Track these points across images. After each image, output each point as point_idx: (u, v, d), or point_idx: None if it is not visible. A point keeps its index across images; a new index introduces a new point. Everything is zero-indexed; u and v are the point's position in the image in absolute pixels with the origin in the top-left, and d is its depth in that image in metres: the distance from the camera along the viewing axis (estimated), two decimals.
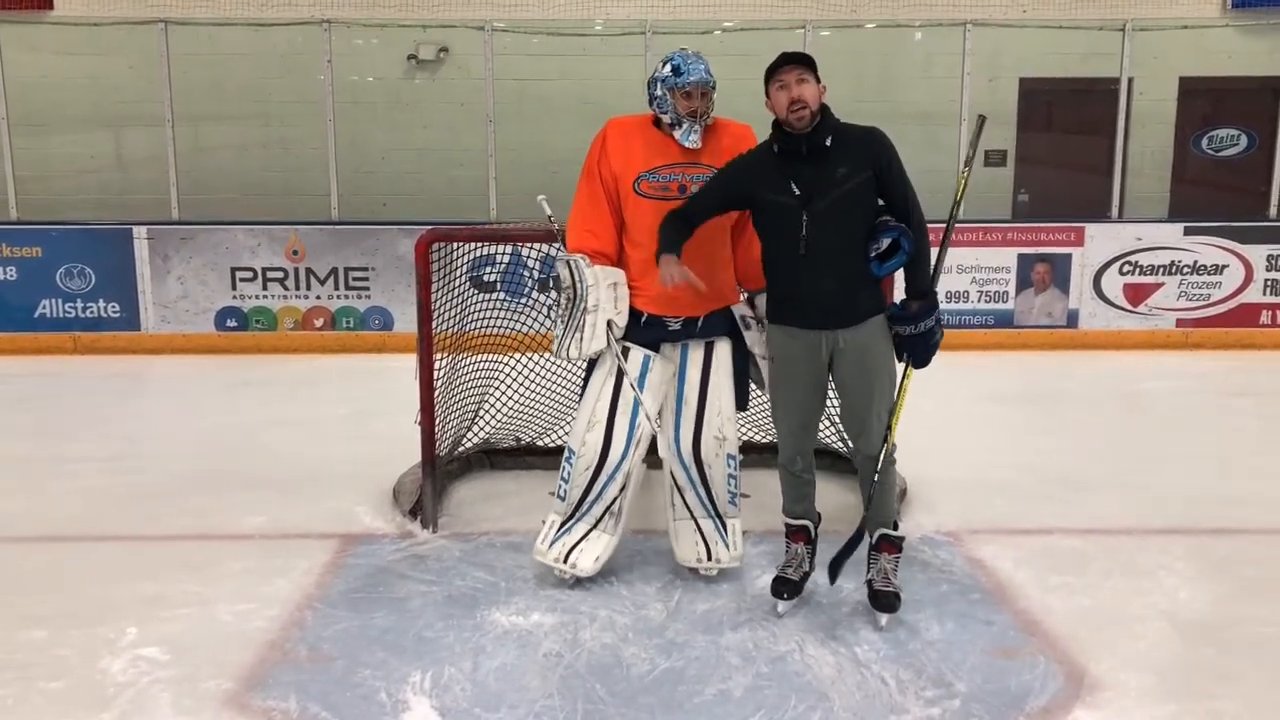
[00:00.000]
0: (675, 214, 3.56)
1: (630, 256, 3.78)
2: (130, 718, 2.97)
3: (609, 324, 3.71)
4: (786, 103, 3.33)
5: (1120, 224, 8.12)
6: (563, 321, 3.74)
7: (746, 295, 3.91)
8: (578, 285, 3.68)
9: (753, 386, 4.04)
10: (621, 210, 3.75)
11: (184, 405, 6.56)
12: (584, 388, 3.95)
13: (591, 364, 3.89)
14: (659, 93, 3.67)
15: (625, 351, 3.77)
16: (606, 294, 3.70)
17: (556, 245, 3.92)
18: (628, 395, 3.75)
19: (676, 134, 3.68)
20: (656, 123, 3.75)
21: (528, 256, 5.03)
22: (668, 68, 3.67)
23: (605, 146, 3.75)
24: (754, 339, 3.86)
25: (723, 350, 3.86)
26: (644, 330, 3.78)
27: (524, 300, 4.93)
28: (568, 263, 3.71)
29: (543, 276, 4.81)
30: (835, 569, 3.60)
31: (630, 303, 3.76)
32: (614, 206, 3.76)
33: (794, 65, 3.33)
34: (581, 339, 3.70)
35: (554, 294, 3.86)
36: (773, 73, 3.37)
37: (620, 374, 3.76)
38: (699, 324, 3.80)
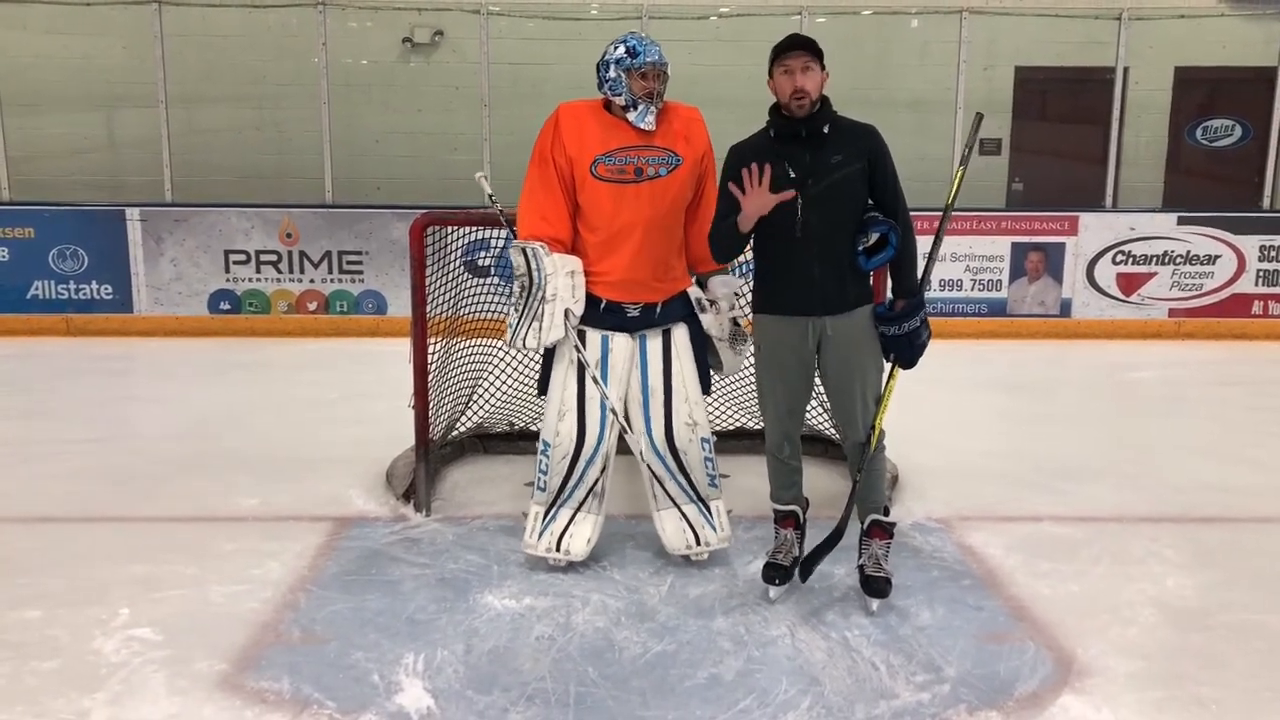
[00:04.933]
0: (717, 226, 3.55)
1: (587, 241, 3.71)
2: (123, 698, 2.97)
3: (566, 313, 3.65)
4: (790, 89, 3.34)
5: (1114, 213, 8.13)
6: (518, 310, 3.67)
7: (696, 279, 3.90)
8: (535, 274, 3.61)
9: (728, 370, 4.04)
10: (577, 195, 3.67)
11: (177, 387, 6.55)
12: (541, 375, 3.91)
13: (548, 352, 3.83)
14: (612, 75, 3.61)
15: (582, 337, 3.72)
16: (564, 282, 3.63)
17: (503, 230, 3.87)
18: None
19: (631, 116, 3.62)
20: (607, 106, 3.71)
21: (508, 242, 5.01)
22: (621, 49, 3.61)
23: (558, 131, 3.66)
24: (709, 322, 3.86)
25: (680, 336, 3.83)
26: (603, 317, 3.73)
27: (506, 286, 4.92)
28: (524, 250, 3.63)
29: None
30: (809, 568, 3.62)
31: (588, 289, 3.69)
32: (568, 192, 3.67)
33: (801, 52, 3.34)
34: (540, 329, 3.63)
35: (510, 281, 3.76)
36: (779, 55, 3.37)
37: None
38: (658, 310, 3.77)
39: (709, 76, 8.21)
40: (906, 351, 3.47)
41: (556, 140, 3.66)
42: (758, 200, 3.29)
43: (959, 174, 3.55)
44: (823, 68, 3.38)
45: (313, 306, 7.92)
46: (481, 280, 4.90)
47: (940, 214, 3.56)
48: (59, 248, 7.75)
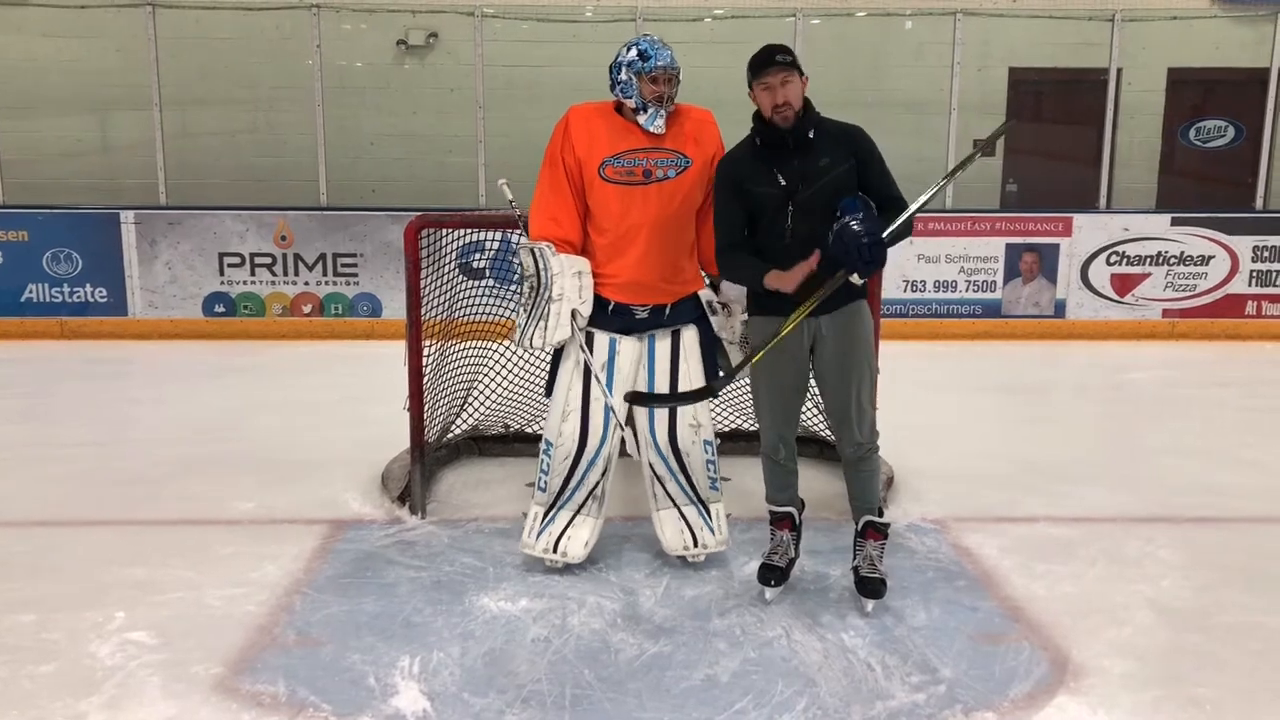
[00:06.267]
0: (726, 249, 3.49)
1: (596, 244, 3.74)
2: (119, 701, 2.97)
3: (573, 313, 3.67)
4: (771, 105, 3.34)
5: (1108, 214, 8.15)
6: (525, 310, 3.70)
7: (709, 280, 3.91)
8: (542, 274, 3.64)
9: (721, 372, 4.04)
10: (586, 197, 3.71)
11: (172, 391, 6.54)
12: (549, 376, 3.93)
13: (556, 353, 3.85)
14: (623, 77, 3.63)
15: (590, 339, 3.74)
16: (571, 283, 3.65)
17: (519, 232, 3.89)
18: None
19: (641, 119, 3.64)
20: (618, 109, 3.72)
21: (517, 244, 5.02)
22: (633, 52, 3.63)
23: (568, 133, 3.70)
24: (720, 324, 3.86)
25: (689, 337, 3.84)
26: (612, 318, 3.75)
27: (513, 287, 4.92)
28: (531, 250, 3.66)
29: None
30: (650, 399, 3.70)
31: (597, 291, 3.72)
32: (578, 194, 3.70)
33: (778, 68, 3.33)
34: (545, 328, 3.65)
35: (516, 282, 3.80)
36: (756, 73, 3.36)
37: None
38: (667, 311, 3.78)
39: (703, 78, 8.19)
40: (838, 246, 3.18)
41: (566, 142, 3.69)
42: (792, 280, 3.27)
43: (972, 156, 3.53)
44: (801, 74, 3.38)
45: (307, 309, 7.91)
46: (476, 282, 4.89)
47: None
48: (53, 251, 7.74)
